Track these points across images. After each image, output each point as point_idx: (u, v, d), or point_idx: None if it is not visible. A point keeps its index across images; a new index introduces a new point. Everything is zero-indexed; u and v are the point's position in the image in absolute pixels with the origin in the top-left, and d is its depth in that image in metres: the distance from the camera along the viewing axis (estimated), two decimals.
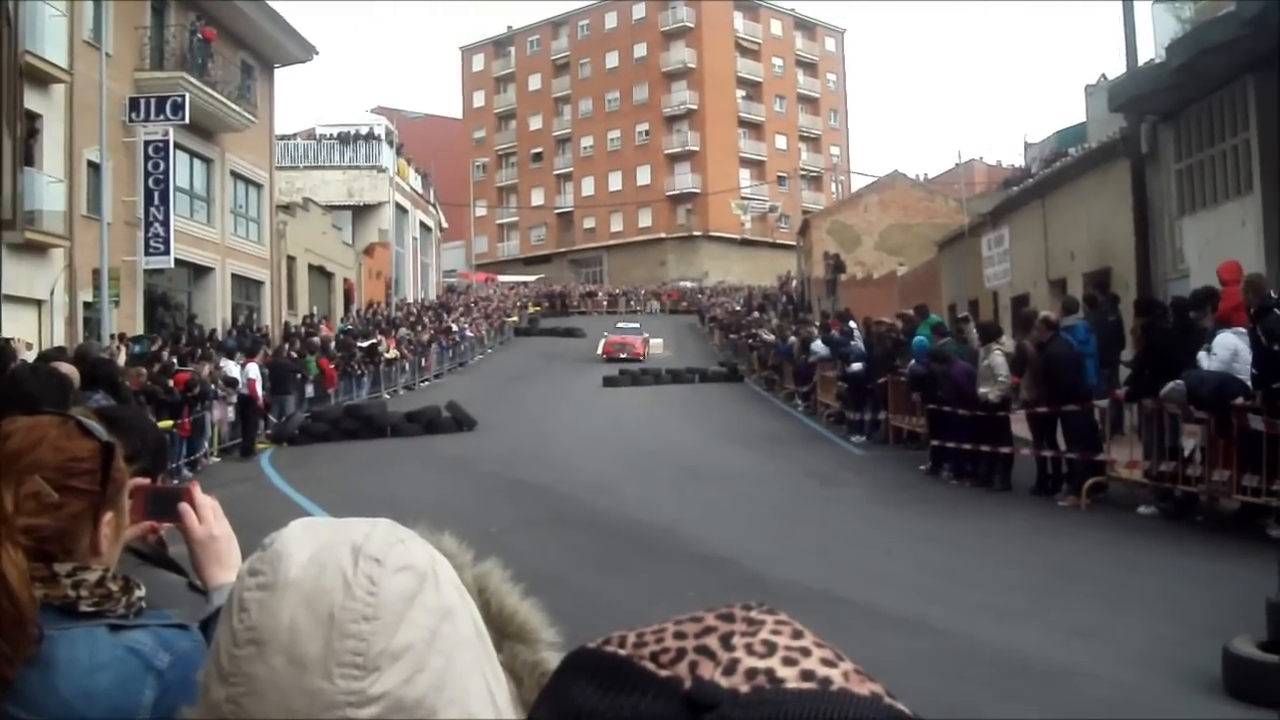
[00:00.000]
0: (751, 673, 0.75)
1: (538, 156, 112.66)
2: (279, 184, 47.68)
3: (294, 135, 60.76)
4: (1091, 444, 15.88)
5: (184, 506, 2.28)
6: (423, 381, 44.20)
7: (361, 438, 28.12)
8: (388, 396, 38.19)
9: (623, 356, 51.40)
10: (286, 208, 47.44)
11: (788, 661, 0.76)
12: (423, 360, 45.89)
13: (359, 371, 38.31)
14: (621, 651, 0.81)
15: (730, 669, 0.76)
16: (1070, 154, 33.31)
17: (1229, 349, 13.30)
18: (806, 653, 0.77)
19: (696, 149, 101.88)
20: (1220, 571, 11.13)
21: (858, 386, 25.13)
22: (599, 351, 53.08)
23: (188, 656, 1.91)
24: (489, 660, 1.12)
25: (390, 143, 61.96)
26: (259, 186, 43.31)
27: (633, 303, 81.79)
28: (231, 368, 26.72)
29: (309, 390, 33.30)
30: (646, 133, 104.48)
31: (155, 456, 2.62)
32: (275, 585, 1.04)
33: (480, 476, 20.67)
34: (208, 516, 2.29)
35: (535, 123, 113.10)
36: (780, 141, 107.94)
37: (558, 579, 11.50)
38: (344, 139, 60.94)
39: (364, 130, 62.06)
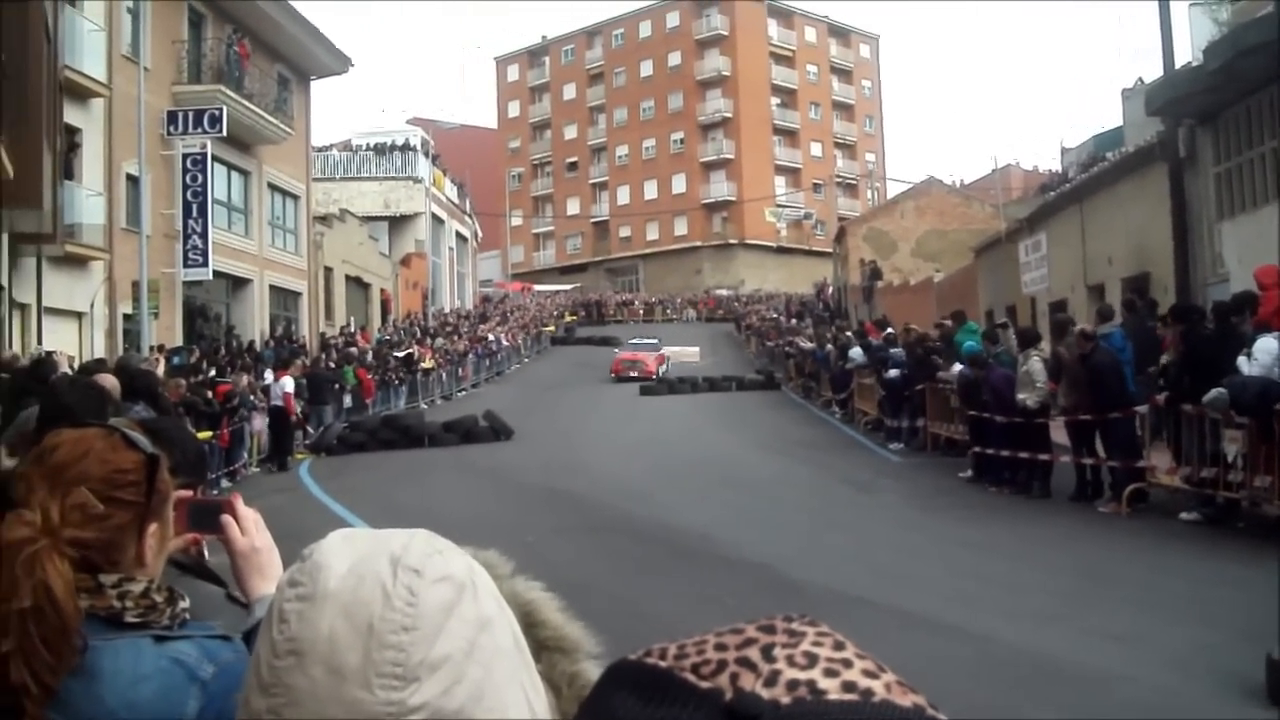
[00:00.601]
0: (793, 684, 0.75)
1: (573, 166, 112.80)
2: (316, 195, 47.97)
3: (330, 147, 61.10)
4: (1132, 451, 15.78)
5: (226, 519, 2.29)
6: (460, 391, 44.31)
7: (399, 448, 28.21)
8: (425, 406, 38.27)
9: (634, 375, 46.86)
10: (323, 219, 47.69)
11: (829, 673, 0.76)
12: (459, 370, 46.00)
13: (396, 382, 38.45)
14: (662, 663, 0.81)
15: (772, 680, 0.76)
16: (1107, 158, 33.16)
17: (1270, 353, 13.19)
18: (848, 664, 0.77)
19: (731, 157, 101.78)
20: (1261, 577, 11.02)
21: (895, 393, 25.03)
22: (609, 372, 48.86)
23: (231, 667, 1.92)
24: (527, 671, 1.13)
25: (426, 153, 62.19)
26: (296, 198, 43.56)
27: (669, 311, 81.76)
28: (268, 379, 26.87)
29: (347, 400, 33.44)
30: (681, 141, 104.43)
31: (195, 468, 2.65)
32: (314, 596, 1.04)
33: (517, 486, 20.69)
34: (250, 528, 2.30)
35: (570, 132, 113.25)
36: (815, 148, 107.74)
37: (595, 587, 11.52)
38: (380, 150, 61.21)
39: (400, 141, 62.34)
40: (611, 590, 11.31)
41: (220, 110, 32.82)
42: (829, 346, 35.00)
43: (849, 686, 0.75)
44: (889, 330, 28.15)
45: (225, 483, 22.19)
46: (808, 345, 40.95)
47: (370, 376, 35.95)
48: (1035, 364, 17.50)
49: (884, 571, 12.26)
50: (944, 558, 13.29)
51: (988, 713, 7.61)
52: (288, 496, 20.43)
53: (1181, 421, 14.77)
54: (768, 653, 0.78)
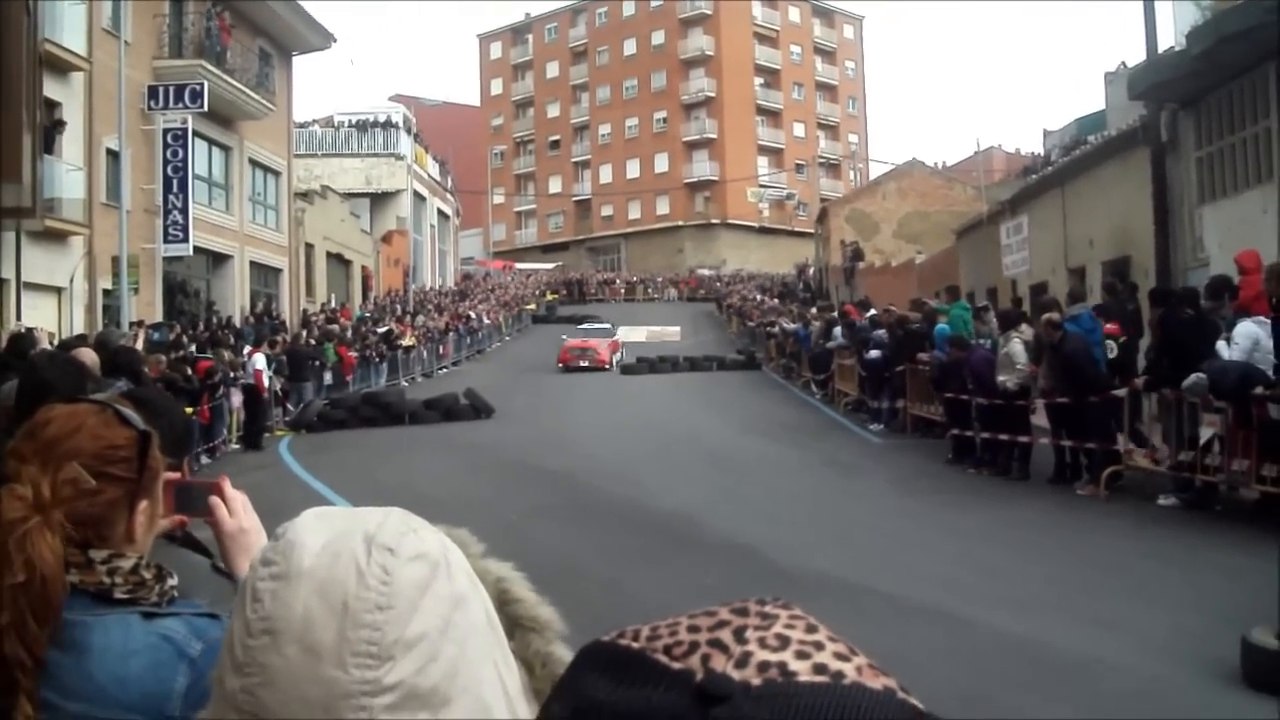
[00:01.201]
0: (764, 666, 0.76)
1: (555, 144, 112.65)
2: (297, 172, 47.84)
3: (312, 123, 60.87)
4: (1108, 434, 15.83)
5: (214, 500, 2.29)
6: (440, 369, 44.32)
7: (380, 425, 28.22)
8: (406, 384, 38.30)
9: (584, 365, 43.86)
10: (305, 195, 47.57)
11: (801, 655, 0.77)
12: (440, 348, 45.97)
13: (377, 359, 38.41)
14: (635, 645, 0.82)
15: (743, 662, 0.76)
16: (1090, 142, 33.20)
17: (1250, 338, 13.25)
18: (820, 647, 0.78)
19: (714, 137, 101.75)
20: (1240, 562, 11.09)
21: (876, 374, 25.07)
22: (556, 361, 45.08)
23: (219, 644, 1.92)
24: (500, 649, 1.13)
25: (408, 130, 62.04)
26: (277, 174, 43.44)
27: (650, 290, 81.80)
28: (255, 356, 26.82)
29: (327, 377, 33.39)
30: (664, 120, 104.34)
31: (181, 440, 2.65)
32: (289, 575, 1.04)
33: (499, 464, 20.69)
34: (238, 510, 2.31)
35: (553, 110, 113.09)
36: (798, 129, 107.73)
37: (577, 566, 11.54)
38: (362, 127, 61.05)
39: (382, 118, 62.16)
40: (592, 570, 11.33)
41: (201, 85, 32.69)
42: (814, 325, 35.03)
43: (820, 669, 0.76)
44: (871, 311, 28.18)
45: (205, 459, 22.14)
46: (790, 325, 40.98)
47: (350, 353, 35.89)
48: (1016, 346, 17.54)
49: (868, 555, 12.29)
50: (927, 542, 13.33)
51: (971, 699, 7.64)
52: (268, 473, 20.41)
53: (1160, 405, 14.84)
54: (740, 635, 0.79)
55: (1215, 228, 22.04)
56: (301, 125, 55.44)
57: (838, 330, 30.16)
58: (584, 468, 19.62)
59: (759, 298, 63.92)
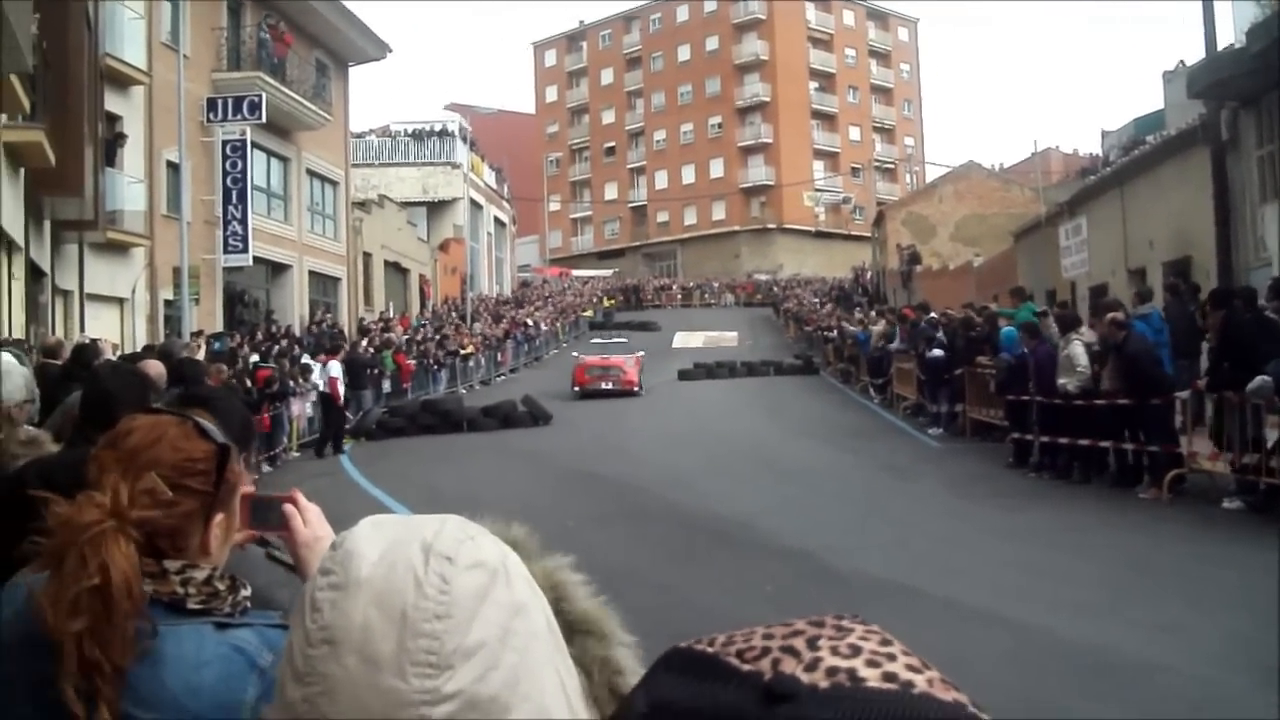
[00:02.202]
0: (833, 670, 0.76)
1: (610, 151, 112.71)
2: (354, 181, 48.18)
3: (369, 133, 61.28)
4: (1171, 436, 15.67)
5: (289, 509, 2.31)
6: (499, 376, 44.44)
7: (438, 432, 28.32)
8: (464, 391, 38.41)
9: (606, 387, 36.65)
10: (362, 205, 47.88)
11: (871, 664, 0.77)
12: (498, 355, 46.11)
13: (435, 366, 38.58)
14: (710, 649, 0.83)
15: (812, 666, 0.77)
16: (1148, 141, 32.89)
17: None
18: (892, 658, 0.78)
19: (770, 141, 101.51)
20: None
21: (936, 376, 24.94)
22: (571, 385, 37.25)
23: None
24: (561, 655, 1.14)
25: (464, 139, 62.29)
26: (335, 184, 43.75)
27: (707, 296, 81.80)
28: (308, 364, 26.97)
29: (386, 385, 33.59)
30: (719, 125, 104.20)
31: (240, 436, 2.68)
32: (347, 585, 1.05)
33: (556, 470, 20.73)
34: (312, 520, 2.33)
35: (608, 117, 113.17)
36: (854, 133, 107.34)
37: (635, 572, 11.54)
38: (418, 136, 61.37)
39: (438, 127, 62.48)
40: (651, 576, 11.33)
41: (260, 97, 32.99)
42: (874, 329, 34.90)
43: (890, 677, 0.76)
44: (931, 314, 28.04)
45: (266, 467, 22.32)
46: (851, 329, 40.80)
47: (409, 361, 36.08)
48: (1076, 348, 17.40)
49: (926, 560, 12.22)
50: (986, 546, 13.24)
51: (1031, 704, 7.60)
52: (328, 481, 20.54)
53: (1223, 407, 14.66)
54: (813, 643, 0.80)
55: (1277, 227, 21.78)
56: (358, 135, 55.84)
57: (897, 333, 30.07)
58: (641, 474, 19.62)
59: (816, 302, 63.67)
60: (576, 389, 36.59)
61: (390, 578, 1.04)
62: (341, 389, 26.52)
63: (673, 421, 28.84)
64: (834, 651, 0.78)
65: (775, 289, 79.85)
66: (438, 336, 42.11)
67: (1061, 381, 17.43)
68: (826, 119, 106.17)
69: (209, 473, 2.04)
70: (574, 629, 1.25)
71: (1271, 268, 20.51)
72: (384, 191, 53.58)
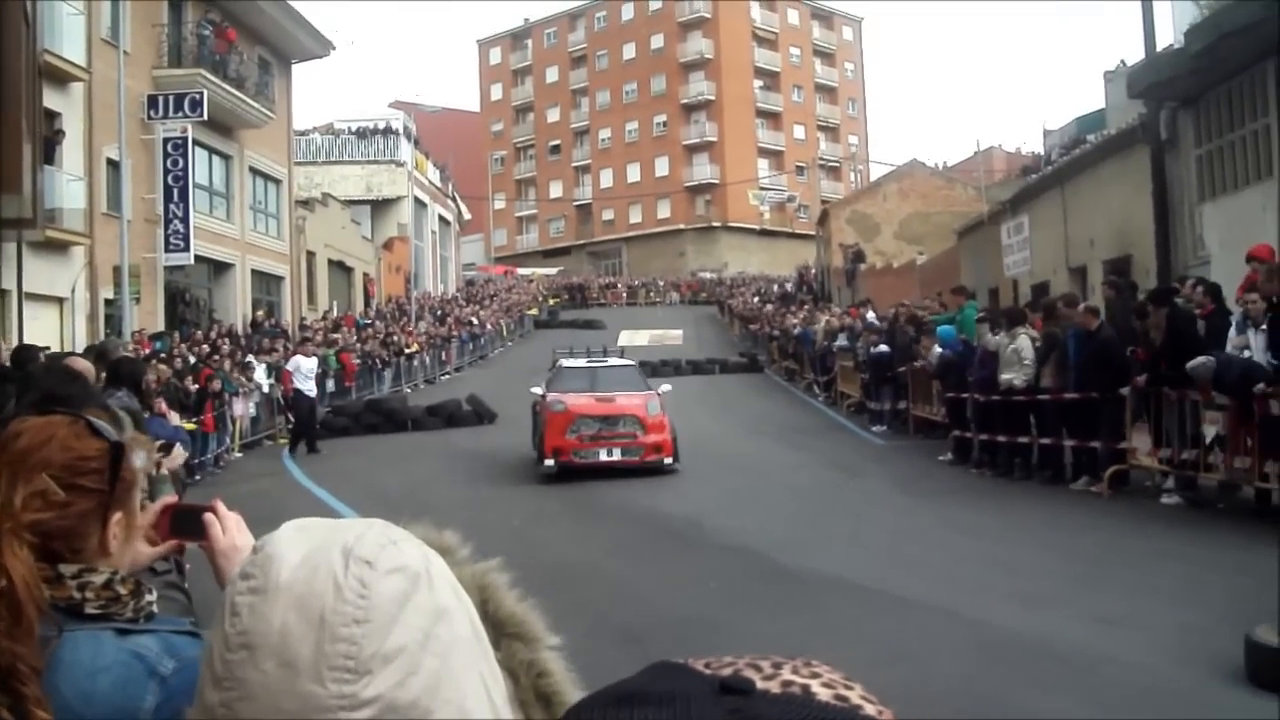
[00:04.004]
0: (788, 683, 0.79)
1: (556, 149, 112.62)
2: (298, 179, 47.88)
3: (312, 130, 60.88)
4: (1119, 431, 15.83)
5: (209, 518, 2.29)
6: (443, 375, 44.28)
7: (383, 432, 28.28)
8: (408, 390, 38.26)
9: (610, 460, 19.51)
10: (305, 203, 47.62)
11: (827, 686, 0.80)
12: (443, 354, 45.96)
13: (379, 366, 38.42)
14: (683, 661, 0.85)
15: (770, 677, 0.79)
16: (1089, 141, 33.20)
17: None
18: (849, 688, 0.80)
19: (714, 139, 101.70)
20: (1244, 559, 11.10)
21: (879, 374, 25.11)
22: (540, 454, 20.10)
23: (195, 663, 1.91)
24: (486, 659, 1.13)
25: (408, 137, 62.05)
26: (278, 182, 43.47)
27: (652, 294, 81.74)
28: (256, 365, 26.75)
29: (330, 385, 33.41)
30: (664, 124, 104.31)
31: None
32: (266, 589, 1.04)
33: (501, 468, 20.74)
34: (231, 528, 2.30)
35: (553, 115, 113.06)
36: (798, 131, 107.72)
37: (582, 569, 11.59)
38: (362, 134, 61.08)
39: (382, 124, 62.17)
40: (598, 573, 11.35)
41: (201, 94, 32.70)
42: (817, 326, 35.06)
43: (841, 699, 0.78)
44: (871, 316, 28.24)
45: (212, 468, 22.18)
46: (796, 327, 40.85)
47: (353, 360, 35.90)
48: (1023, 342, 17.58)
49: (874, 556, 12.29)
50: (932, 541, 13.35)
51: (980, 696, 7.67)
52: (271, 481, 20.44)
53: (1162, 404, 14.85)
54: (778, 665, 0.82)
55: (1216, 225, 22.04)
56: (301, 133, 55.45)
57: (842, 332, 30.24)
58: (588, 472, 19.61)
59: (760, 300, 63.78)
60: (549, 463, 19.32)
61: (310, 582, 1.03)
62: (311, 385, 26.13)
63: None
64: (794, 671, 0.80)
65: (720, 287, 79.94)
66: (382, 335, 41.89)
67: (1006, 377, 17.58)
68: (771, 117, 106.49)
69: (102, 471, 1.99)
70: (501, 632, 1.24)
71: (1209, 266, 20.76)
72: (328, 190, 53.24)
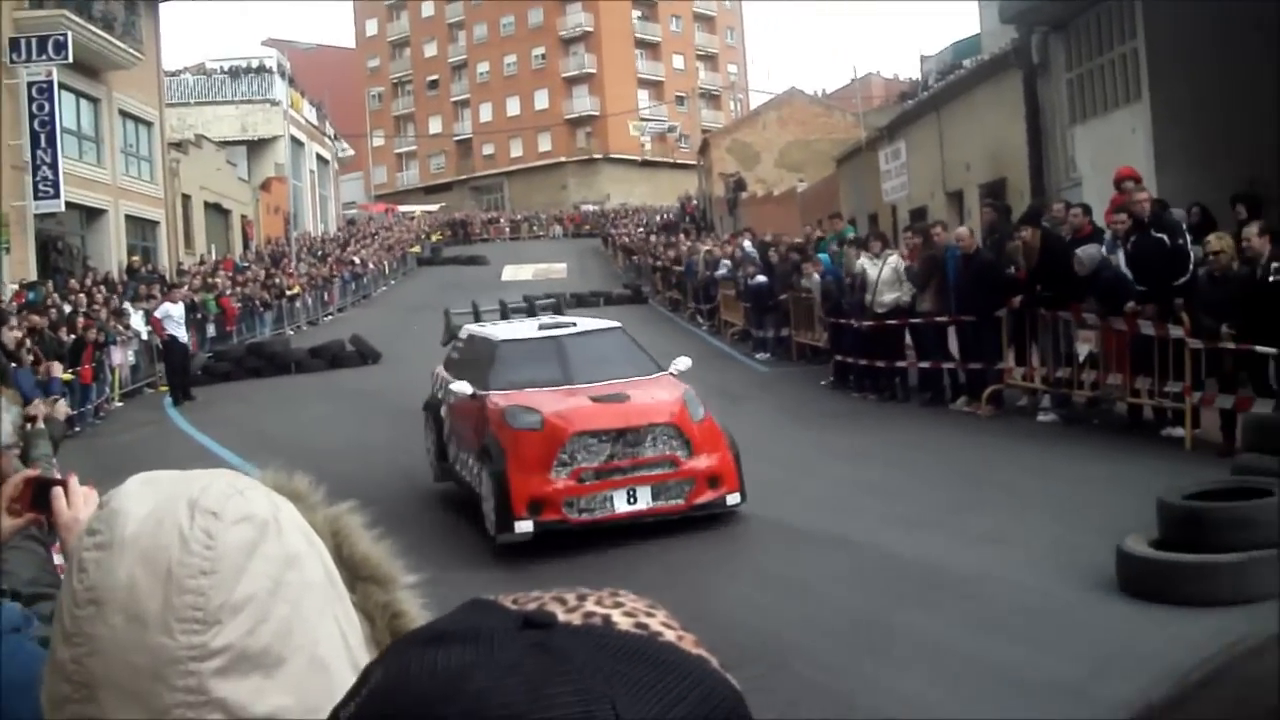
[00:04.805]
0: (590, 615, 0.81)
1: (434, 84, 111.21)
2: (170, 121, 46.77)
3: (183, 71, 59.63)
4: (998, 351, 16.09)
5: (56, 491, 2.28)
6: (326, 316, 43.78)
7: (265, 375, 27.93)
8: (291, 333, 37.81)
9: (634, 510, 11.04)
10: (179, 145, 46.61)
11: (628, 615, 0.81)
12: (325, 295, 45.41)
13: (261, 308, 37.91)
14: (492, 598, 0.86)
15: (572, 610, 0.81)
16: (965, 66, 33.50)
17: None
18: (650, 616, 0.83)
19: (594, 71, 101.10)
20: (1117, 473, 11.41)
21: (760, 303, 25.25)
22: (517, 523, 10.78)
23: (19, 630, 1.90)
24: (341, 603, 1.14)
25: (283, 75, 60.88)
26: (149, 125, 42.47)
27: (535, 228, 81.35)
28: (133, 312, 26.26)
29: (210, 330, 32.93)
30: (543, 56, 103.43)
31: None
32: (112, 544, 1.04)
33: (387, 408, 20.60)
34: (77, 502, 2.29)
35: (430, 50, 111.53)
36: (678, 61, 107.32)
37: (469, 504, 11.61)
38: (235, 73, 59.96)
39: (255, 63, 61.08)
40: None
41: (65, 35, 31.81)
42: (697, 256, 35.18)
43: (641, 626, 0.80)
44: (747, 244, 28.37)
45: (92, 419, 21.82)
46: (675, 255, 40.91)
47: (233, 304, 35.39)
48: (895, 260, 17.91)
49: (759, 483, 12.40)
50: (816, 467, 13.56)
51: (867, 618, 7.86)
52: (152, 430, 20.17)
53: (1038, 325, 15.17)
54: (583, 598, 0.84)
55: (1087, 147, 22.43)
56: (172, 74, 54.24)
57: (724, 261, 30.35)
58: None
59: (643, 231, 63.71)
60: (524, 527, 10.73)
61: (156, 535, 1.03)
62: (183, 331, 25.62)
63: None
64: (598, 603, 0.82)
65: (603, 219, 79.74)
66: (262, 278, 41.27)
67: (890, 297, 17.79)
68: (650, 48, 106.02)
69: None
70: (356, 575, 1.24)
71: (1081, 188, 21.13)
72: (201, 131, 52.18)
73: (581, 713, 0.72)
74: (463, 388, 12.19)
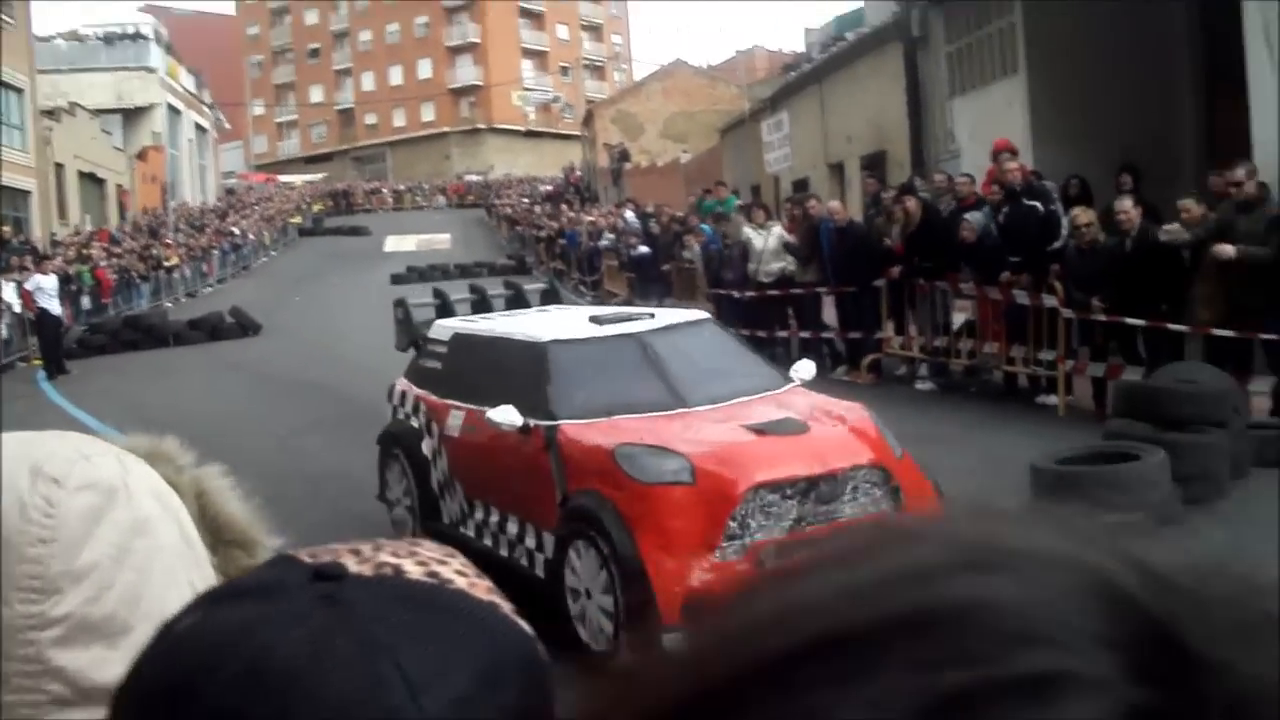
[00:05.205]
0: (381, 565, 0.81)
1: (315, 52, 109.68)
2: (42, 88, 45.75)
3: (55, 37, 58.23)
4: (877, 320, 16.30)
5: None
6: (205, 288, 43.13)
7: (143, 348, 27.53)
8: (169, 305, 37.20)
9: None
10: (51, 113, 45.62)
11: (420, 564, 0.82)
12: (204, 266, 44.72)
13: (137, 280, 37.26)
14: (293, 553, 0.86)
15: (365, 561, 0.82)
16: (847, 38, 33.75)
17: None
18: (443, 564, 0.83)
19: (477, 41, 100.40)
20: (993, 439, 11.63)
21: (644, 273, 25.34)
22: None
23: None
24: (199, 567, 1.12)
25: (159, 42, 59.85)
26: (19, 91, 41.54)
27: (418, 198, 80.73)
28: (3, 284, 25.67)
29: (85, 302, 32.32)
30: (426, 25, 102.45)
31: None
32: None
33: (269, 381, 20.43)
34: None
35: (311, 17, 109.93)
36: (562, 31, 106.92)
37: (350, 476, 11.54)
38: (109, 39, 58.73)
39: (130, 29, 59.86)
40: (366, 480, 11.30)
41: None
42: (579, 227, 35.20)
43: (432, 575, 0.81)
44: (629, 215, 28.47)
45: None
46: (560, 229, 40.87)
47: (109, 276, 34.74)
48: (777, 230, 18.06)
49: None
50: None
51: None
52: (24, 404, 19.75)
53: (915, 295, 15.40)
54: (378, 548, 0.84)
55: (965, 120, 22.72)
56: (44, 39, 53.00)
57: (607, 233, 30.40)
58: (355, 380, 19.40)
59: (527, 202, 63.51)
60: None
61: None
62: (55, 304, 25.06)
63: (387, 325, 28.55)
64: (393, 554, 0.83)
65: (487, 190, 79.31)
66: (139, 249, 40.54)
67: (776, 266, 17.94)
68: (534, 17, 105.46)
69: None
70: (219, 539, 1.21)
71: (959, 160, 21.41)
72: (75, 99, 51.00)
73: (363, 662, 0.73)
74: (507, 416, 8.09)
